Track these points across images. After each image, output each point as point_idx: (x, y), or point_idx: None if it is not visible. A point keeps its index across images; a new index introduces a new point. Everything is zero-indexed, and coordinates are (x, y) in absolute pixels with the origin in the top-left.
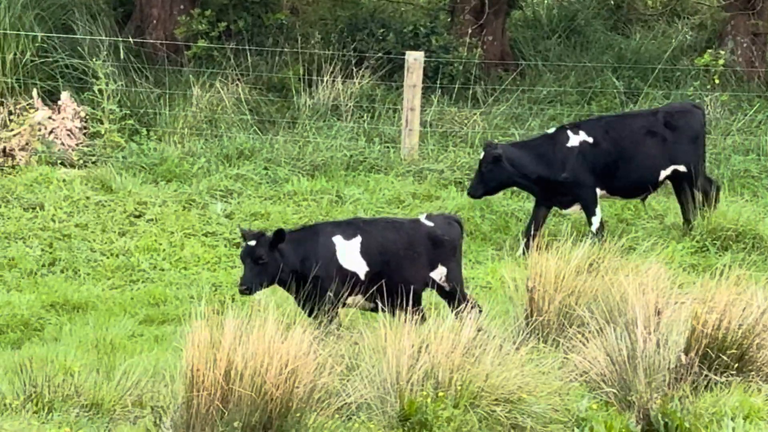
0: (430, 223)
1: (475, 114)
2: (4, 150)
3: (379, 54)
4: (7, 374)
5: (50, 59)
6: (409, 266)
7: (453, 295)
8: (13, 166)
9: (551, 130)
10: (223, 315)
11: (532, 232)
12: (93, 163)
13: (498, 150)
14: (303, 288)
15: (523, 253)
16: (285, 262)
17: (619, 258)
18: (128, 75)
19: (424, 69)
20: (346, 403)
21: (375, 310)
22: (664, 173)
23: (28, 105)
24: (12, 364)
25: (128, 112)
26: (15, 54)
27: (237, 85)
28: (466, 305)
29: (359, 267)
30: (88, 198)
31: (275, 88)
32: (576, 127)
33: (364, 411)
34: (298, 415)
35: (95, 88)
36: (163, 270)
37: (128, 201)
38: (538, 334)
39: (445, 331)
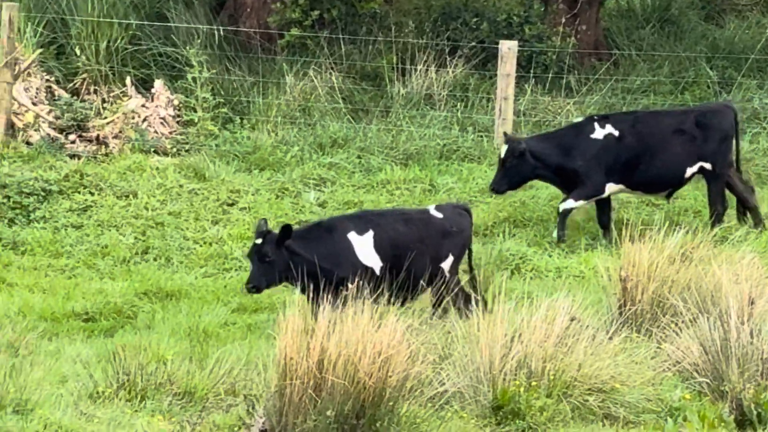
0: (439, 215)
1: (568, 103)
2: (97, 138)
3: (473, 43)
4: (100, 362)
5: (144, 47)
6: (420, 259)
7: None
8: (106, 154)
9: (578, 120)
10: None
11: (606, 223)
12: (186, 151)
13: (523, 145)
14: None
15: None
16: (296, 260)
17: (712, 247)
18: (221, 63)
19: (517, 58)
20: (438, 392)
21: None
22: (690, 171)
23: (121, 93)
24: (105, 352)
25: (221, 100)
26: (109, 42)
27: (330, 73)
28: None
29: (374, 262)
30: (181, 186)
31: (369, 76)
32: (604, 119)
33: (456, 400)
34: (390, 404)
35: (189, 76)
36: None
37: (221, 189)
38: (630, 324)
39: (537, 321)
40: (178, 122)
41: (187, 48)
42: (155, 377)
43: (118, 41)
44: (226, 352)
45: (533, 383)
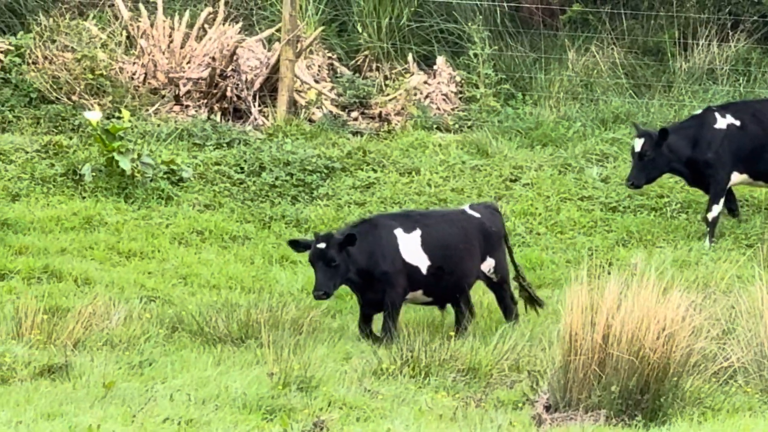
0: (477, 214)
1: None
2: (380, 115)
3: (755, 17)
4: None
5: (426, 24)
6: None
7: (501, 286)
8: (388, 131)
9: (698, 112)
10: (601, 279)
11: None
12: (468, 127)
13: (659, 137)
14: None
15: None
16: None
17: None
18: (503, 39)
19: None
20: (722, 368)
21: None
22: None
23: (403, 70)
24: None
25: (503, 76)
26: (391, 19)
27: (612, 49)
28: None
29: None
30: (463, 162)
31: (650, 51)
32: (723, 110)
33: (740, 375)
34: (675, 379)
35: (470, 52)
36: (539, 234)
37: (504, 165)
38: None
39: None
40: (460, 98)
41: (469, 24)
42: (439, 353)
43: (401, 18)
44: (509, 328)
45: None
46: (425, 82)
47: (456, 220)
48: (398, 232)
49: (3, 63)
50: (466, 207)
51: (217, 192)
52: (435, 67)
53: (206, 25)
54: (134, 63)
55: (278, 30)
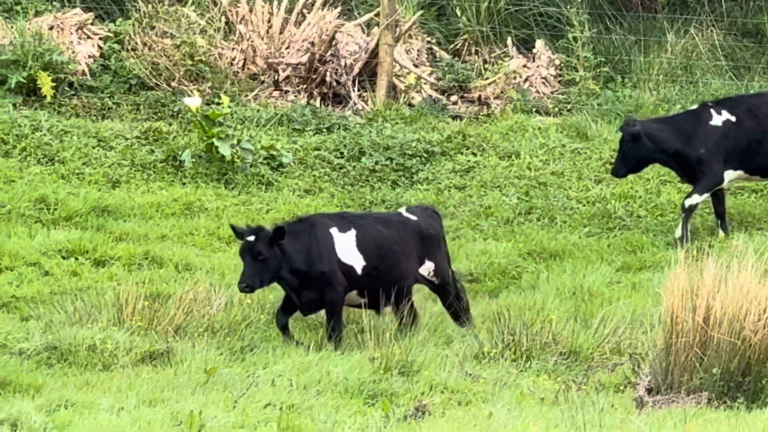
0: (414, 217)
1: None
2: (479, 98)
3: None
4: (485, 323)
5: (525, 7)
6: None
7: (443, 289)
8: (488, 115)
9: (694, 107)
10: (701, 261)
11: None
12: (568, 110)
13: (636, 127)
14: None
15: (726, 234)
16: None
17: None
18: (602, 22)
19: None
20: None
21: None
22: None
23: (502, 53)
24: (490, 312)
25: (602, 59)
26: (490, 2)
27: (711, 31)
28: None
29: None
30: (563, 146)
31: (750, 33)
32: (718, 105)
33: None
34: None
35: (569, 35)
36: (639, 217)
37: (604, 148)
38: None
39: None
40: (559, 82)
41: (568, 7)
42: (540, 337)
43: (499, 1)
44: (610, 311)
45: None
46: (524, 66)
47: (392, 222)
48: (334, 231)
49: (102, 50)
50: (402, 210)
51: (317, 177)
52: (534, 51)
53: (305, 10)
54: (233, 49)
55: (377, 15)
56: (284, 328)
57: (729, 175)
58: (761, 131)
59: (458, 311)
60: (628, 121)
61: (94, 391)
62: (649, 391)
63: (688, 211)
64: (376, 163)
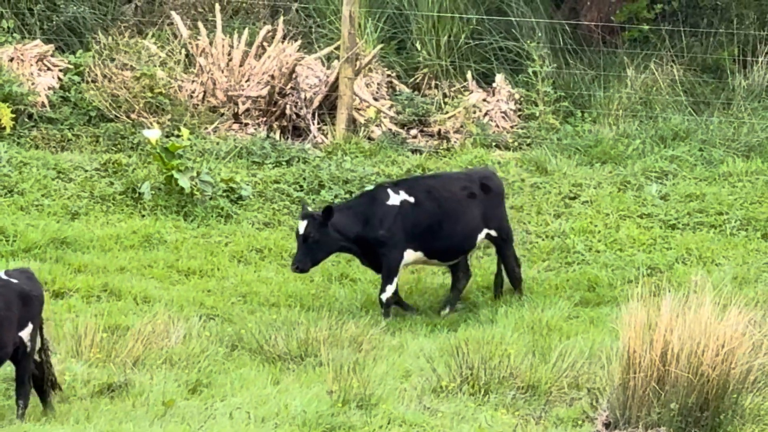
0: (15, 280)
1: None
2: (439, 132)
3: None
4: (444, 356)
5: (485, 41)
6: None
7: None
8: (448, 149)
9: (369, 188)
10: (660, 297)
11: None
12: (528, 145)
13: (322, 218)
14: None
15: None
16: None
17: None
18: (562, 57)
19: None
20: None
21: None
22: (480, 236)
23: (462, 87)
24: (448, 346)
25: (562, 94)
26: (449, 36)
27: (671, 66)
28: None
29: None
30: (522, 180)
31: (710, 69)
32: (396, 186)
33: None
34: (734, 396)
35: (529, 70)
36: (598, 252)
37: (563, 183)
38: None
39: None
40: (519, 116)
41: (528, 42)
42: (498, 371)
43: (459, 36)
44: (568, 345)
45: None
46: (484, 100)
47: None
48: None
49: (62, 81)
50: (1, 273)
51: (276, 210)
52: (494, 85)
53: (265, 43)
54: (193, 81)
55: (337, 48)
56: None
57: (409, 255)
58: (440, 214)
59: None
60: (307, 211)
61: (52, 422)
62: (607, 425)
63: (387, 305)
64: (336, 196)
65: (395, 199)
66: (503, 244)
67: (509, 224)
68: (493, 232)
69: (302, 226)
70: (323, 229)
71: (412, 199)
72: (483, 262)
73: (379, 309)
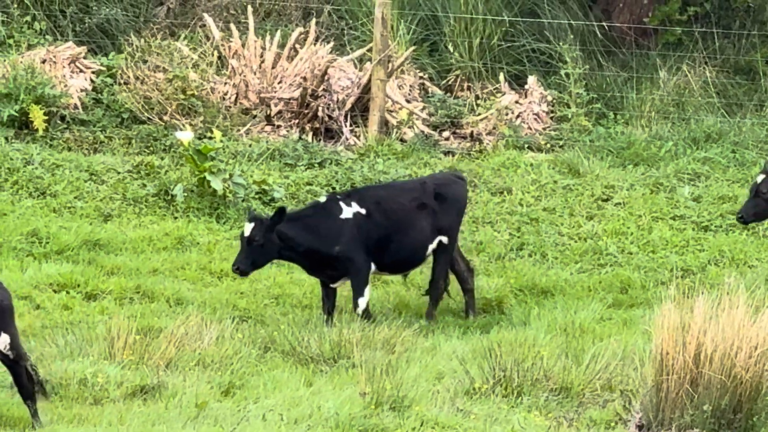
0: None
1: None
2: (471, 134)
3: None
4: (476, 358)
5: (517, 43)
6: None
7: (17, 364)
8: (480, 151)
9: (322, 200)
10: (692, 298)
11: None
12: (560, 147)
13: (268, 224)
14: None
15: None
16: None
17: None
18: (594, 58)
19: None
20: None
21: None
22: (431, 247)
23: (494, 89)
24: (481, 348)
25: (595, 95)
26: (482, 38)
27: (704, 68)
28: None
29: None
30: (555, 182)
31: (742, 71)
32: (348, 197)
33: None
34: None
35: (562, 72)
36: (631, 254)
37: (596, 185)
38: None
39: None
40: (551, 118)
41: (561, 44)
42: (531, 373)
43: (492, 38)
44: (601, 347)
45: None
46: (516, 102)
47: None
48: None
49: (95, 83)
50: None
51: None
52: (526, 87)
53: (297, 45)
54: (225, 83)
55: (369, 50)
56: None
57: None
58: (388, 226)
59: (28, 390)
60: (254, 215)
61: (84, 425)
62: (640, 427)
63: (366, 314)
64: None
65: (348, 212)
66: (443, 251)
67: (457, 234)
68: (444, 239)
69: (248, 228)
70: (269, 234)
71: (363, 211)
72: (516, 263)
73: (359, 319)
